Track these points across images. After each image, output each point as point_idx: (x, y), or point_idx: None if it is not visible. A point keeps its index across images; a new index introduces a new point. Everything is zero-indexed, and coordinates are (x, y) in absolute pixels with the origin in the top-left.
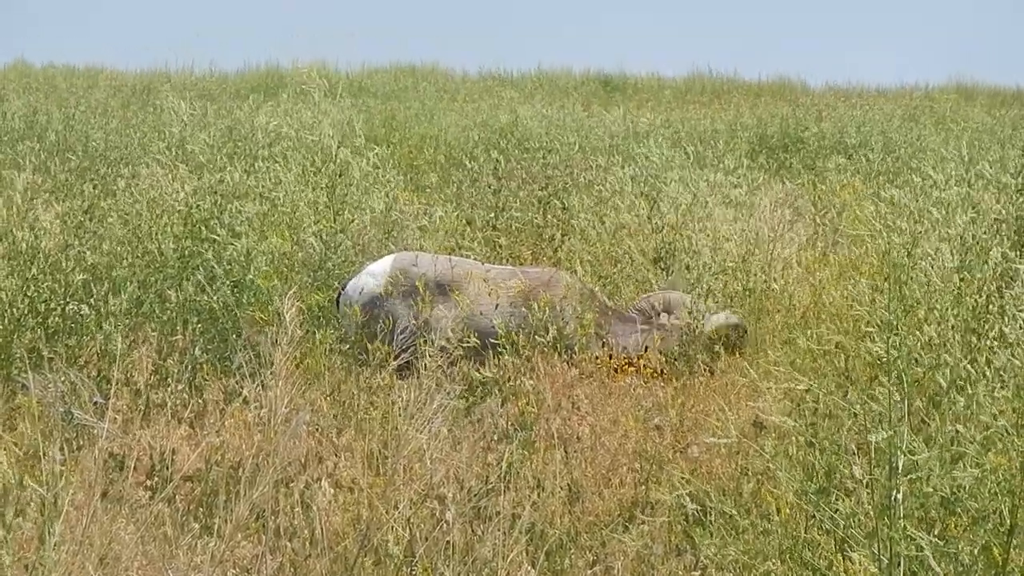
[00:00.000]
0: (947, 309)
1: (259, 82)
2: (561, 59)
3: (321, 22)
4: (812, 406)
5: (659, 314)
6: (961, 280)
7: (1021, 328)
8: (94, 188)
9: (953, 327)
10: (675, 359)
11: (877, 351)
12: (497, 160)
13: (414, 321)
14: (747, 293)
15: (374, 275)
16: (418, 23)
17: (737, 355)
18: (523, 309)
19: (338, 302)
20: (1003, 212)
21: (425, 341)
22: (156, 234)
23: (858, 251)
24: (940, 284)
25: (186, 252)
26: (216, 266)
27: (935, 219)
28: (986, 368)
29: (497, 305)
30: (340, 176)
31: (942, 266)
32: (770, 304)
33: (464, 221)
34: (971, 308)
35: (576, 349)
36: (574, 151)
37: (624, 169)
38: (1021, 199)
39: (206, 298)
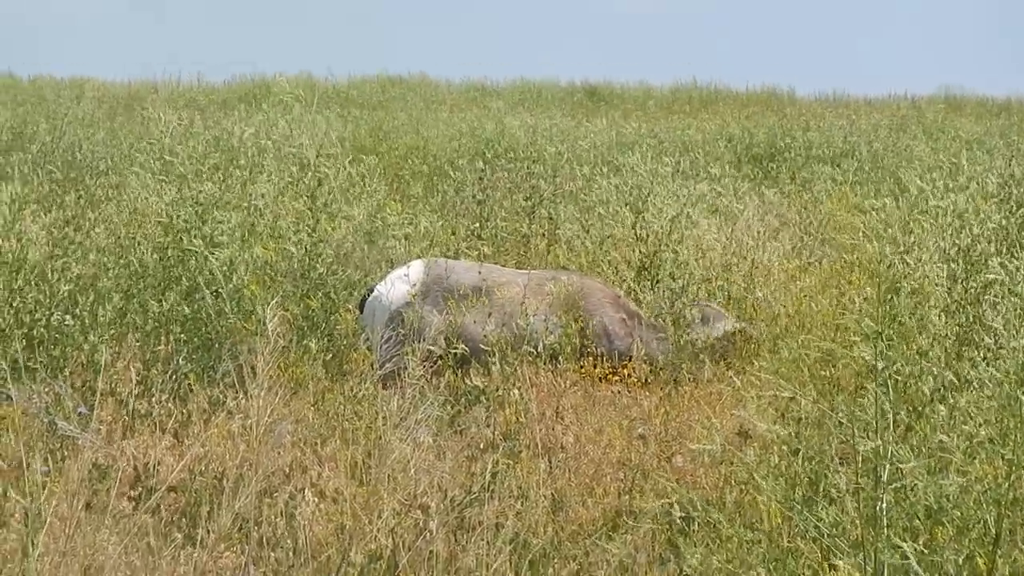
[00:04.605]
0: (929, 317)
1: (246, 93)
2: (547, 69)
3: (309, 33)
4: (797, 415)
5: (694, 322)
6: (950, 290)
7: (1003, 336)
8: (79, 199)
9: (945, 336)
10: (661, 368)
11: (865, 358)
12: (482, 170)
13: (436, 329)
14: (730, 302)
15: (404, 281)
16: (405, 34)
17: (723, 364)
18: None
19: (362, 307)
20: (1003, 222)
21: (451, 347)
22: (138, 244)
23: (847, 259)
24: (930, 292)
25: (169, 262)
26: (198, 276)
27: (930, 228)
28: (971, 376)
29: (491, 313)
30: (319, 186)
31: (931, 275)
32: (756, 313)
33: (449, 231)
34: (959, 316)
35: (561, 359)
36: (560, 161)
37: (610, 179)
38: (1020, 210)
39: (188, 308)
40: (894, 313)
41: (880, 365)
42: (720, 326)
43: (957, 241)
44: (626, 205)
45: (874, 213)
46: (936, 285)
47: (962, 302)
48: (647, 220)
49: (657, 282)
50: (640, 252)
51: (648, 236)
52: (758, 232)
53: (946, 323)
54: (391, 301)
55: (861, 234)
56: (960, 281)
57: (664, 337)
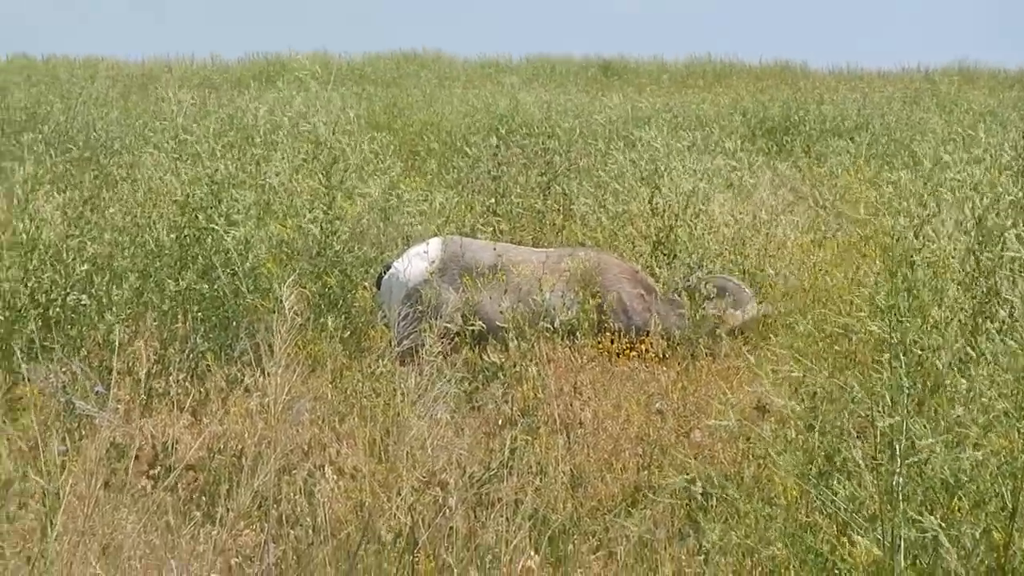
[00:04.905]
0: (946, 290)
1: (260, 71)
2: (562, 45)
3: (323, 9)
4: (811, 390)
5: (710, 297)
6: (964, 262)
7: (1019, 308)
8: (94, 178)
9: (961, 309)
10: (678, 343)
11: (876, 332)
12: (496, 146)
13: (449, 306)
14: (744, 276)
15: (422, 258)
16: (421, 10)
17: (740, 340)
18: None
19: (379, 284)
20: (1020, 194)
21: (468, 324)
22: (154, 223)
23: (860, 233)
24: (945, 265)
25: (186, 241)
26: (215, 255)
27: (950, 200)
28: (986, 350)
29: (510, 290)
30: (335, 163)
31: (947, 249)
32: (771, 288)
33: (465, 207)
34: (975, 289)
35: (578, 334)
36: (574, 136)
37: (625, 155)
38: None
39: (206, 287)
40: (907, 286)
41: (893, 339)
42: (744, 311)
43: (973, 214)
44: (641, 180)
45: (889, 187)
46: (952, 257)
47: (976, 274)
48: (663, 195)
49: (673, 257)
50: (656, 227)
51: (664, 211)
52: (772, 206)
53: (964, 296)
54: (408, 278)
55: (875, 208)
56: (975, 253)
57: (682, 312)
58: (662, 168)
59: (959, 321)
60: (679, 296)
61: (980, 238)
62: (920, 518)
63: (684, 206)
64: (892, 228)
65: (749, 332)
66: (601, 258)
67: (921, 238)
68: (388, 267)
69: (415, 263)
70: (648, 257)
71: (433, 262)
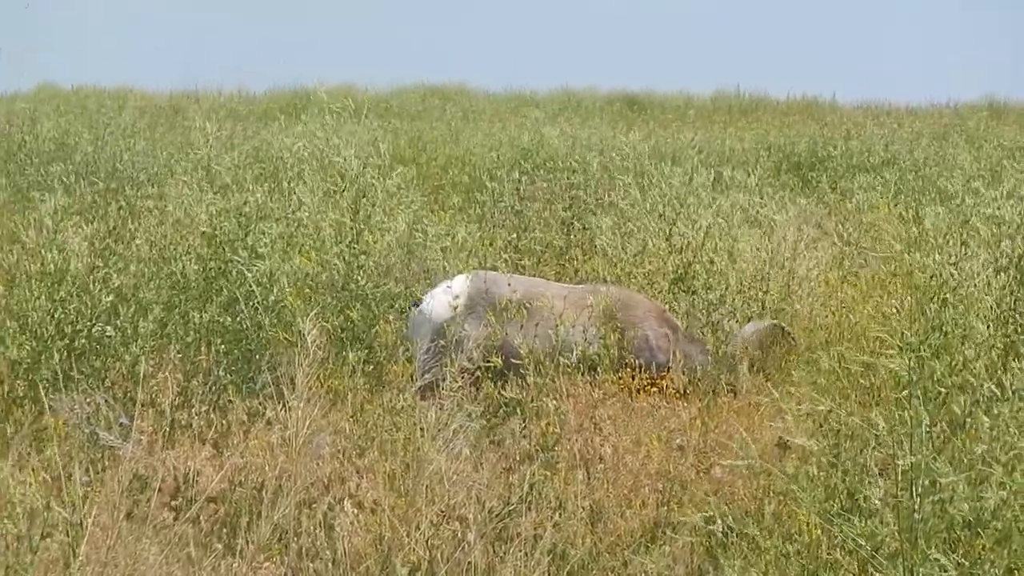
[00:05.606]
0: (977, 327)
1: (286, 103)
2: (588, 78)
3: (348, 43)
4: (834, 427)
5: (730, 337)
6: (999, 300)
7: None
8: (120, 210)
9: (992, 347)
10: (699, 379)
11: (895, 370)
12: (519, 181)
13: (477, 342)
14: (766, 313)
15: (449, 294)
16: (446, 43)
17: (761, 376)
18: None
19: (408, 320)
20: None
21: (487, 360)
22: (180, 256)
23: (887, 269)
24: (975, 302)
25: (211, 274)
26: (239, 288)
27: (985, 237)
28: (1015, 387)
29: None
30: (363, 197)
31: (980, 287)
32: (794, 324)
33: (487, 242)
34: (1006, 327)
35: (599, 370)
36: (594, 171)
37: (647, 191)
38: None
39: (230, 320)
40: (934, 324)
41: (913, 377)
42: (756, 326)
43: (1012, 251)
44: (660, 217)
45: (925, 222)
46: (985, 295)
47: (1012, 312)
48: (682, 231)
49: (693, 293)
50: (675, 263)
51: (684, 247)
52: (795, 242)
53: (992, 333)
54: (435, 314)
55: (905, 244)
56: (1010, 291)
57: (705, 351)
58: (678, 205)
59: (989, 359)
60: (701, 334)
61: (1017, 276)
62: (940, 557)
63: (701, 243)
64: (923, 265)
65: (765, 345)
66: (627, 295)
67: (950, 276)
68: (417, 303)
69: (442, 299)
70: (666, 293)
71: (458, 297)
